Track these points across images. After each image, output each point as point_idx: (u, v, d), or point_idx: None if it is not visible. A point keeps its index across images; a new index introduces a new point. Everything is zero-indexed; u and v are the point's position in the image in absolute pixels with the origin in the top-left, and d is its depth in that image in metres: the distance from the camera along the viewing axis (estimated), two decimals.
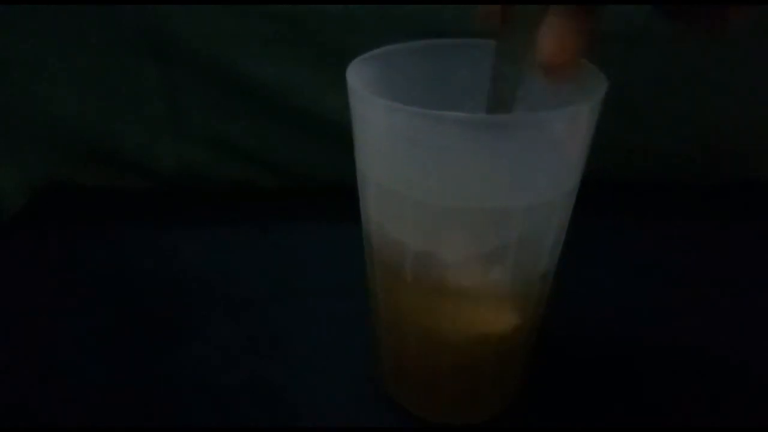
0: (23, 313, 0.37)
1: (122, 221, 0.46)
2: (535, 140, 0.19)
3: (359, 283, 0.29)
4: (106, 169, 0.49)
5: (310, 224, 0.45)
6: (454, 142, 0.19)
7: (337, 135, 0.44)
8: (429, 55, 0.26)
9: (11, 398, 0.31)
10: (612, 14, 0.37)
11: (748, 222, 0.44)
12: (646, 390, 0.30)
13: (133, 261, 0.41)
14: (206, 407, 0.30)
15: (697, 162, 0.47)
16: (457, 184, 0.20)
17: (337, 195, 0.41)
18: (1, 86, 0.44)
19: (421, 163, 0.20)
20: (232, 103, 0.45)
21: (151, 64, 0.43)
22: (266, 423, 0.29)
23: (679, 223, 0.44)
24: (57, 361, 0.33)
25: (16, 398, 0.31)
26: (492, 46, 0.24)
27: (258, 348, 0.34)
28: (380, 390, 0.30)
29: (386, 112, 0.20)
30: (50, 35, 0.42)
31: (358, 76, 0.22)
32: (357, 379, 0.31)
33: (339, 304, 0.36)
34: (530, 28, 0.19)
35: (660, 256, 0.41)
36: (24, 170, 0.48)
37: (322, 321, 0.35)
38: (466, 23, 0.24)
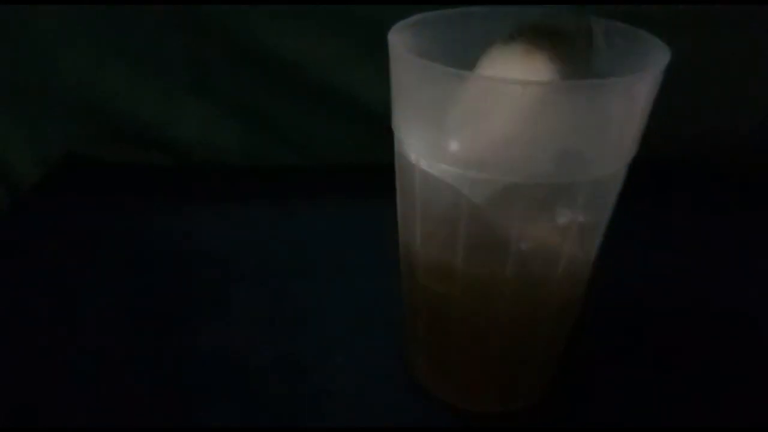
0: (37, 290, 0.36)
1: (140, 197, 0.45)
2: (595, 109, 0.19)
3: (382, 261, 0.28)
4: (125, 143, 0.48)
5: (333, 202, 0.44)
6: (516, 109, 0.18)
7: (364, 114, 0.44)
8: (462, 22, 0.25)
9: (28, 371, 0.30)
10: None
11: None
12: (686, 378, 0.30)
13: (151, 238, 0.41)
14: (230, 386, 0.29)
15: (727, 144, 0.46)
16: (512, 154, 0.20)
17: (361, 172, 0.40)
18: (19, 56, 0.43)
19: (477, 133, 0.20)
20: (256, 77, 0.44)
21: (176, 37, 0.42)
22: (290, 402, 0.29)
23: (713, 204, 0.43)
24: (74, 339, 0.32)
25: (32, 372, 0.30)
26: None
27: (281, 327, 0.33)
28: (408, 372, 0.30)
29: (443, 78, 0.19)
30: (70, 4, 0.41)
31: (399, 42, 0.22)
32: (387, 361, 0.31)
33: (363, 283, 0.35)
34: None
35: (695, 237, 0.40)
36: (40, 143, 0.47)
37: (350, 301, 0.35)
38: None
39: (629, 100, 0.20)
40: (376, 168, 0.25)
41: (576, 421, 0.28)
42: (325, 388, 0.29)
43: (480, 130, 0.20)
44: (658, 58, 0.20)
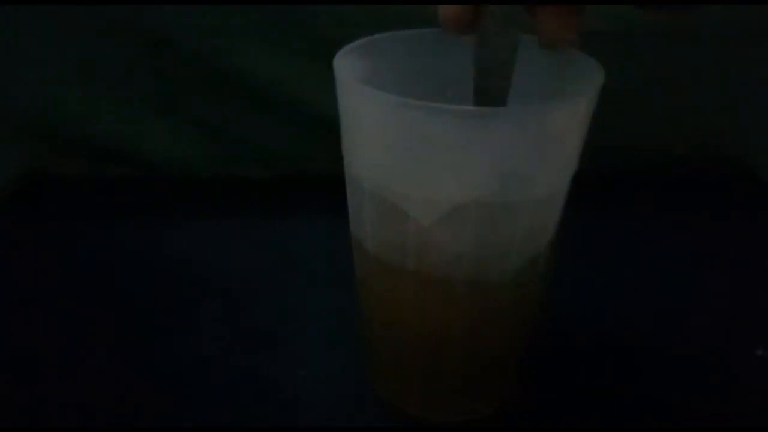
0: (5, 305, 0.36)
1: (106, 212, 0.45)
2: (536, 132, 0.20)
3: (348, 273, 0.28)
4: (89, 159, 0.48)
5: (300, 216, 0.44)
6: (460, 135, 0.19)
7: (327, 127, 0.44)
8: (413, 44, 0.26)
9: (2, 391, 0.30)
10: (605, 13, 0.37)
11: (739, 218, 0.44)
12: (641, 387, 0.30)
13: (118, 254, 0.41)
14: (198, 402, 0.30)
15: (688, 157, 0.47)
16: (458, 177, 0.20)
17: (327, 187, 0.40)
18: None
19: (424, 158, 0.20)
20: (221, 94, 0.44)
21: (141, 52, 0.42)
22: (258, 417, 0.29)
23: (666, 217, 0.44)
24: (46, 356, 0.32)
25: (5, 391, 0.30)
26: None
27: (249, 342, 0.33)
28: (373, 388, 0.30)
29: (389, 107, 0.19)
30: (35, 20, 0.41)
31: (345, 67, 0.22)
32: (350, 375, 0.31)
33: (330, 297, 0.36)
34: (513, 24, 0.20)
35: (649, 252, 0.41)
36: (3, 160, 0.47)
37: (313, 314, 0.35)
38: None
39: (567, 122, 0.20)
40: (342, 181, 0.25)
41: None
42: (289, 402, 0.30)
43: (423, 155, 0.20)
44: (594, 79, 0.21)
